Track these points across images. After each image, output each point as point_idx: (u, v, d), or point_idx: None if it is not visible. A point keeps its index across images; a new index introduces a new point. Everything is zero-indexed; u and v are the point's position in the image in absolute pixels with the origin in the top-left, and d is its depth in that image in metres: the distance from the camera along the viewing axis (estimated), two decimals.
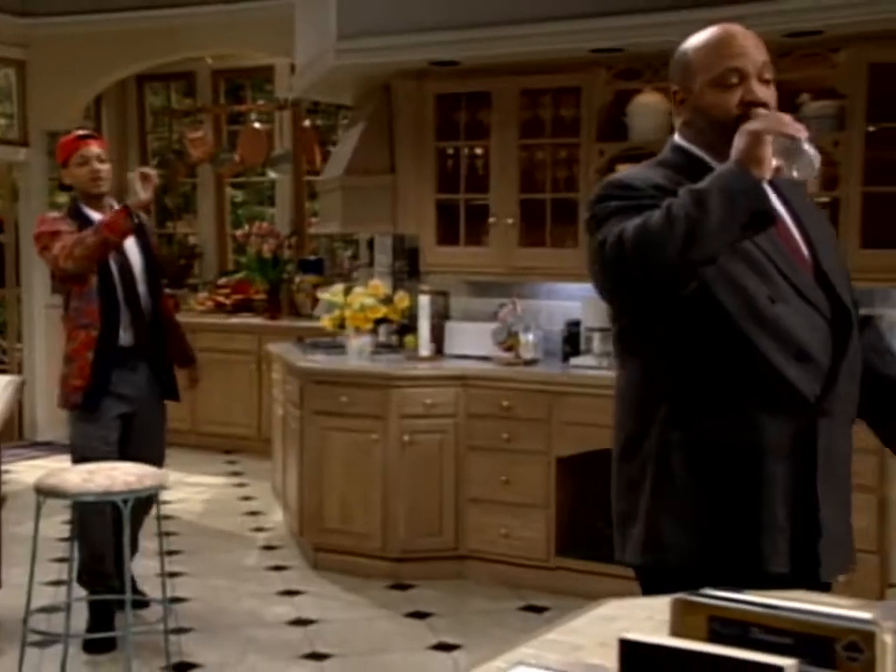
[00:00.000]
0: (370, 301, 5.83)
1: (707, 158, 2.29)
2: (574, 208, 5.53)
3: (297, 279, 8.75)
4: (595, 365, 5.40)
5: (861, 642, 1.06)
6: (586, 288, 5.60)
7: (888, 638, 1.08)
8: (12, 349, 9.40)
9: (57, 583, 5.07)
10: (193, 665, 4.34)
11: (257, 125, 9.10)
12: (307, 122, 8.91)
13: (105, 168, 4.50)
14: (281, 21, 7.11)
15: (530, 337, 5.59)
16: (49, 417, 8.84)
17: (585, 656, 1.71)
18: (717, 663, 1.07)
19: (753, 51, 2.26)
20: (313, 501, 5.61)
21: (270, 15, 7.67)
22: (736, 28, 2.31)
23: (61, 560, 5.25)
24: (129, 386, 4.51)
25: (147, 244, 4.61)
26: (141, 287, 4.52)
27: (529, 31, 5.20)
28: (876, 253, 4.67)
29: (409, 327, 6.05)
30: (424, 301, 5.81)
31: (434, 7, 5.42)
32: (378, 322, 5.99)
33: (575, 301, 5.68)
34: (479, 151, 5.90)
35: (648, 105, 5.39)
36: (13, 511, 5.75)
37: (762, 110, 2.18)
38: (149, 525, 4.21)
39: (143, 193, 4.28)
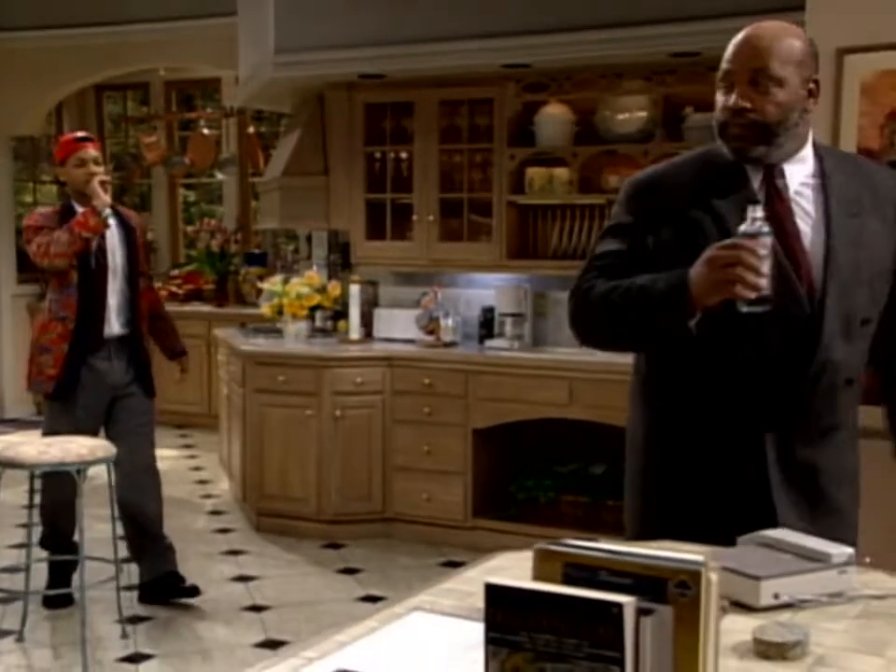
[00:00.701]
0: (305, 290, 5.82)
1: (724, 150, 2.11)
2: (488, 206, 5.57)
3: (242, 271, 8.69)
4: (508, 347, 5.45)
5: (689, 580, 1.11)
6: (500, 278, 5.72)
7: (713, 576, 1.12)
8: None
9: (20, 546, 5.01)
10: (144, 618, 4.32)
11: (206, 131, 9.01)
12: (251, 129, 8.84)
13: (100, 170, 4.35)
14: (225, 38, 7.05)
15: (450, 322, 5.62)
16: (15, 396, 8.70)
17: (476, 602, 1.74)
18: (567, 601, 1.11)
19: (746, 55, 2.03)
20: (254, 470, 5.59)
21: (215, 32, 7.58)
22: (749, 30, 2.06)
23: (23, 526, 5.19)
24: (106, 376, 4.33)
25: (131, 241, 4.42)
26: (119, 283, 4.36)
27: (448, 48, 5.22)
28: None
29: (342, 313, 6.05)
30: (354, 289, 5.81)
31: (363, 26, 5.41)
32: (314, 309, 5.98)
33: (489, 289, 5.72)
34: (403, 155, 5.91)
35: (553, 115, 5.43)
36: None
37: (727, 241, 1.92)
38: (104, 491, 4.17)
39: (104, 196, 4.20)
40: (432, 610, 1.67)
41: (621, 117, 5.26)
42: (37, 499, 4.30)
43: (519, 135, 5.47)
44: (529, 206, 5.60)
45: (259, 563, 5.09)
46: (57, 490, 4.25)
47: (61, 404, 4.29)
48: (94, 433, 4.31)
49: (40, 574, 4.46)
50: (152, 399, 4.50)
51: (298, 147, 5.93)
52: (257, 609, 4.47)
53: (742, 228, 1.91)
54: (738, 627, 1.56)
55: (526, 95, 5.43)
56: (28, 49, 8.39)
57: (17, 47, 8.43)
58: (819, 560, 1.72)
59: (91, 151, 4.36)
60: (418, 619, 1.62)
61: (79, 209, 4.31)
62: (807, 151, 2.12)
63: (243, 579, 4.85)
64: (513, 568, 1.91)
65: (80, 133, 4.53)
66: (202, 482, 6.71)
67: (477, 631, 1.21)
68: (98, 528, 4.91)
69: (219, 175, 9.22)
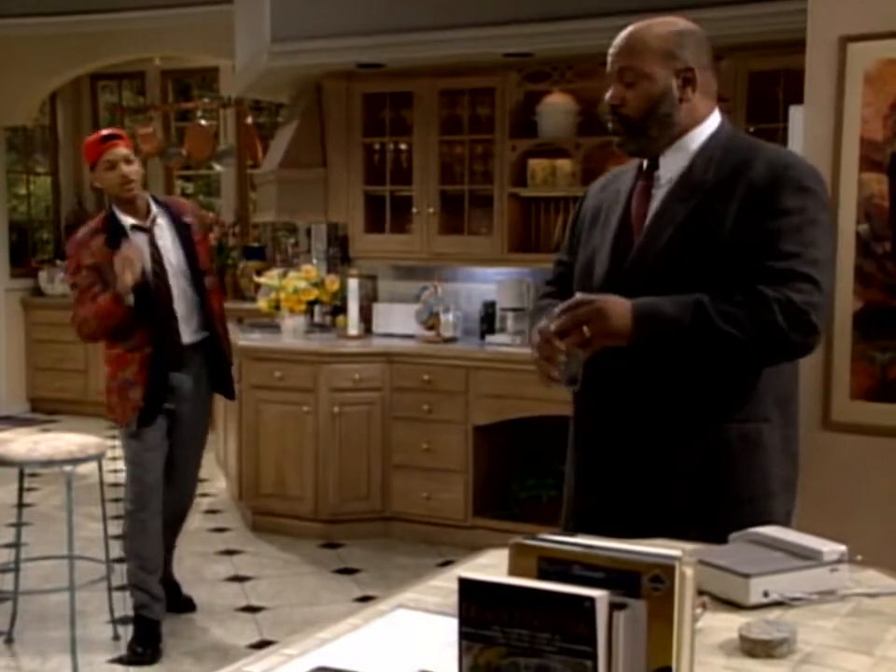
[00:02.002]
0: (303, 284, 5.84)
1: None
2: (489, 199, 5.59)
3: (241, 265, 8.71)
4: (509, 342, 5.46)
5: (662, 574, 1.13)
6: (500, 272, 5.73)
7: (688, 570, 1.14)
8: None
9: (9, 546, 5.04)
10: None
11: (203, 122, 9.03)
12: (249, 119, 8.85)
13: (133, 170, 3.99)
14: (223, 26, 7.07)
15: (450, 317, 5.64)
16: (9, 393, 8.75)
17: None
18: (540, 596, 1.13)
19: (614, 54, 2.19)
20: (250, 468, 5.62)
21: (211, 20, 7.61)
22: (624, 31, 2.20)
23: (13, 525, 5.22)
24: (173, 383, 4.04)
25: (186, 238, 4.06)
26: (182, 287, 4.02)
27: (448, 36, 5.23)
28: None
29: (340, 308, 6.07)
30: (353, 284, 5.83)
31: (361, 14, 5.43)
32: (311, 304, 6.00)
33: (490, 283, 5.73)
34: (403, 147, 5.93)
35: (556, 104, 5.45)
36: None
37: (544, 330, 2.09)
38: (96, 490, 4.20)
39: (128, 277, 3.79)
40: (416, 608, 1.69)
41: None
42: (28, 498, 4.33)
43: (521, 126, 5.49)
44: (531, 199, 5.61)
45: (254, 563, 5.11)
46: (143, 533, 4.07)
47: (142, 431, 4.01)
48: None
49: (30, 573, 4.49)
50: (209, 411, 4.35)
51: (295, 139, 5.95)
52: (252, 609, 4.50)
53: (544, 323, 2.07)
54: (726, 625, 1.58)
55: (528, 85, 5.45)
56: (21, 37, 8.42)
57: (9, 34, 8.45)
58: (811, 558, 1.74)
59: (121, 150, 4.00)
60: (401, 616, 1.64)
61: (122, 217, 3.98)
62: (688, 140, 2.18)
63: (238, 579, 4.88)
64: (501, 566, 1.92)
65: (106, 132, 4.15)
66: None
67: (455, 626, 1.23)
68: (90, 527, 4.95)
69: (217, 167, 9.24)
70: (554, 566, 1.18)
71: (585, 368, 2.07)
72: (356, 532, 5.43)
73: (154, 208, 4.04)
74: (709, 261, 2.08)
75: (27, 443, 3.90)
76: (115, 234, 3.95)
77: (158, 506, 4.06)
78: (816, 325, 2.05)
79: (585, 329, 2.01)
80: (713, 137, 2.19)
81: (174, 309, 3.99)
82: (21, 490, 4.20)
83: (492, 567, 1.92)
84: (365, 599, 4.58)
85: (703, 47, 2.17)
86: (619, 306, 2.03)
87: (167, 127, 9.43)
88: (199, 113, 9.28)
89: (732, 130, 2.25)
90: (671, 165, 2.19)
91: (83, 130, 9.74)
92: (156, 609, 4.09)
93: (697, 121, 2.18)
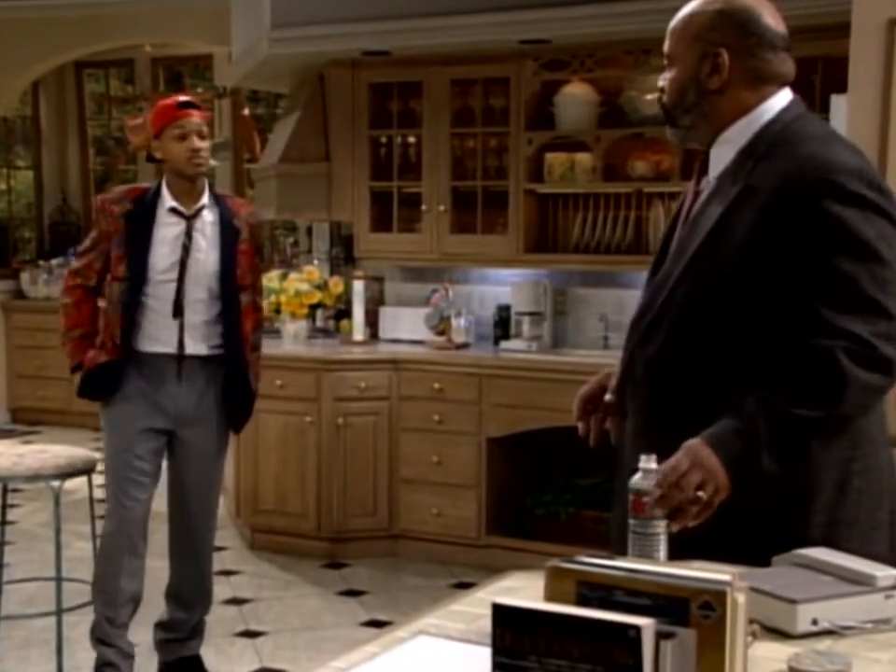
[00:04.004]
0: (305, 286, 5.85)
1: None
2: (504, 196, 5.58)
3: None
4: (525, 349, 5.46)
5: (713, 601, 1.12)
6: (516, 273, 5.73)
7: (739, 597, 1.13)
8: None
9: None
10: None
11: None
12: (246, 111, 8.87)
13: (205, 146, 3.77)
14: (218, 10, 7.08)
15: (462, 321, 5.63)
16: None
17: (485, 625, 1.75)
18: (581, 624, 1.12)
19: (667, 38, 2.16)
20: (249, 483, 5.62)
21: (206, 4, 7.63)
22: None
23: None
24: (169, 400, 3.78)
25: (231, 244, 3.80)
26: (201, 295, 3.77)
27: (459, 22, 5.23)
28: None
29: (345, 312, 6.07)
30: (358, 286, 5.84)
31: None
32: (314, 307, 6.00)
33: (505, 286, 5.73)
34: (411, 140, 5.93)
35: (575, 95, 5.45)
36: None
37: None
38: (84, 506, 4.19)
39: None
40: (438, 634, 1.69)
41: (649, 97, 5.25)
42: (10, 515, 4.33)
43: (537, 118, 5.48)
44: (549, 195, 5.60)
45: (253, 584, 5.11)
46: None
47: (112, 419, 3.81)
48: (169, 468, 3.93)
49: (12, 596, 4.48)
50: (225, 437, 3.95)
51: (296, 131, 5.95)
52: (251, 634, 4.49)
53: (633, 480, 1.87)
54: (772, 655, 1.56)
55: (546, 74, 5.44)
56: (0, 23, 8.44)
57: None
58: (863, 583, 1.73)
59: (197, 120, 3.76)
60: (423, 643, 1.63)
61: (167, 197, 3.75)
62: (733, 133, 2.10)
63: (236, 601, 4.88)
64: (527, 588, 1.92)
65: (183, 98, 3.89)
66: None
67: (486, 656, 1.23)
68: (77, 546, 4.95)
69: (212, 161, 9.20)
70: (595, 591, 1.17)
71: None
72: (361, 551, 5.43)
73: (206, 198, 3.81)
74: (733, 280, 2.00)
75: (11, 457, 3.90)
76: (144, 212, 3.76)
77: (138, 535, 3.80)
78: (887, 357, 1.92)
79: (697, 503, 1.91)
80: (766, 129, 2.07)
81: (183, 316, 3.74)
82: (3, 507, 4.20)
83: (518, 590, 1.91)
84: (372, 623, 4.58)
85: (748, 27, 2.05)
86: (699, 454, 1.93)
87: None
88: None
89: (794, 119, 2.08)
90: (717, 162, 2.13)
91: (69, 121, 9.77)
92: (123, 668, 3.83)
93: (743, 112, 2.09)
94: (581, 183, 5.45)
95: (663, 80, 2.15)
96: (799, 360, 1.94)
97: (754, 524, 2.00)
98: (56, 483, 3.85)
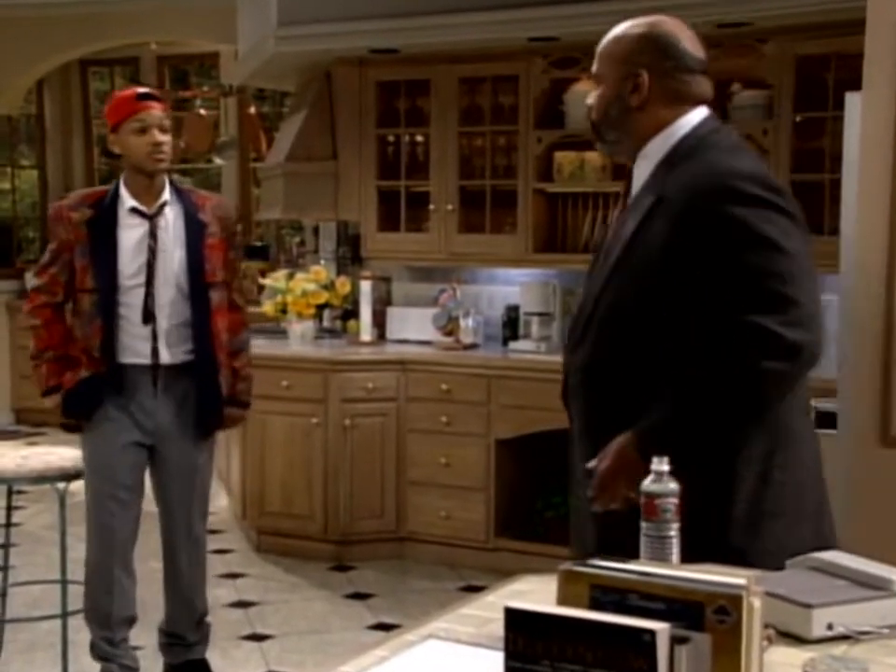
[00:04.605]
0: (311, 286, 5.85)
1: None
2: (513, 195, 5.58)
3: (243, 265, 8.72)
4: (534, 349, 5.45)
5: (728, 605, 1.11)
6: (525, 273, 5.72)
7: (755, 601, 1.13)
8: None
9: None
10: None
11: (202, 111, 9.07)
12: (252, 109, 8.88)
13: (167, 140, 3.60)
14: (224, 8, 7.09)
15: (470, 322, 5.63)
16: None
17: (496, 629, 1.75)
18: (594, 628, 1.12)
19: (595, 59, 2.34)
20: (255, 485, 5.62)
21: (211, 1, 7.64)
22: None
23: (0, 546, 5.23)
24: (145, 415, 3.66)
25: (196, 238, 3.65)
26: (171, 297, 3.62)
27: (467, 19, 5.23)
28: None
29: (352, 312, 6.07)
30: (365, 286, 5.84)
31: None
32: (321, 308, 6.01)
33: (513, 286, 5.73)
34: (419, 138, 5.93)
35: (584, 93, 5.36)
36: None
37: None
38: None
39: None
40: (448, 638, 1.68)
41: None
42: (14, 517, 4.33)
43: (546, 116, 5.48)
44: (558, 194, 5.60)
45: (259, 587, 5.11)
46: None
47: (91, 434, 3.71)
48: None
49: (17, 599, 4.49)
50: (206, 447, 3.80)
51: (303, 130, 5.96)
52: (257, 637, 4.49)
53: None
54: (787, 660, 1.56)
55: (555, 71, 5.43)
56: (4, 20, 8.46)
57: None
58: (879, 587, 1.73)
59: (158, 113, 3.61)
60: (433, 647, 1.63)
61: (126, 197, 3.61)
62: (651, 149, 2.26)
63: (242, 604, 4.88)
64: (538, 592, 1.92)
65: (142, 90, 3.74)
66: None
67: (497, 660, 1.22)
68: (82, 549, 4.91)
69: (217, 160, 9.28)
70: (608, 594, 1.17)
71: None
72: (368, 554, 5.42)
73: (167, 195, 3.66)
74: (651, 288, 2.14)
75: (15, 458, 3.90)
76: (105, 216, 3.61)
77: (126, 557, 3.75)
78: (796, 343, 2.02)
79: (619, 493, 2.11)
80: (680, 143, 2.23)
81: (154, 322, 3.61)
82: (9, 508, 4.21)
83: (529, 593, 1.91)
84: (379, 626, 4.57)
85: (668, 51, 2.23)
86: (623, 453, 2.11)
87: None
88: (197, 102, 9.33)
89: (707, 133, 2.24)
90: (638, 177, 2.28)
91: (73, 120, 9.79)
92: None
93: (661, 128, 2.25)
94: (590, 182, 5.44)
95: (591, 98, 2.33)
96: (714, 356, 2.06)
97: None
98: (61, 485, 3.86)
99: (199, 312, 3.65)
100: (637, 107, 2.24)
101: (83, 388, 3.66)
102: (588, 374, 2.25)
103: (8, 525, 4.27)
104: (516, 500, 5.37)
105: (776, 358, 2.01)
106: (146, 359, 3.63)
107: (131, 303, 3.61)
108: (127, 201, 3.62)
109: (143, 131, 3.56)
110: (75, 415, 3.72)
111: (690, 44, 2.25)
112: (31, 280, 3.82)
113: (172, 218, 3.65)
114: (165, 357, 3.64)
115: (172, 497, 3.77)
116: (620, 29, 2.29)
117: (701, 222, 2.09)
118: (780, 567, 1.90)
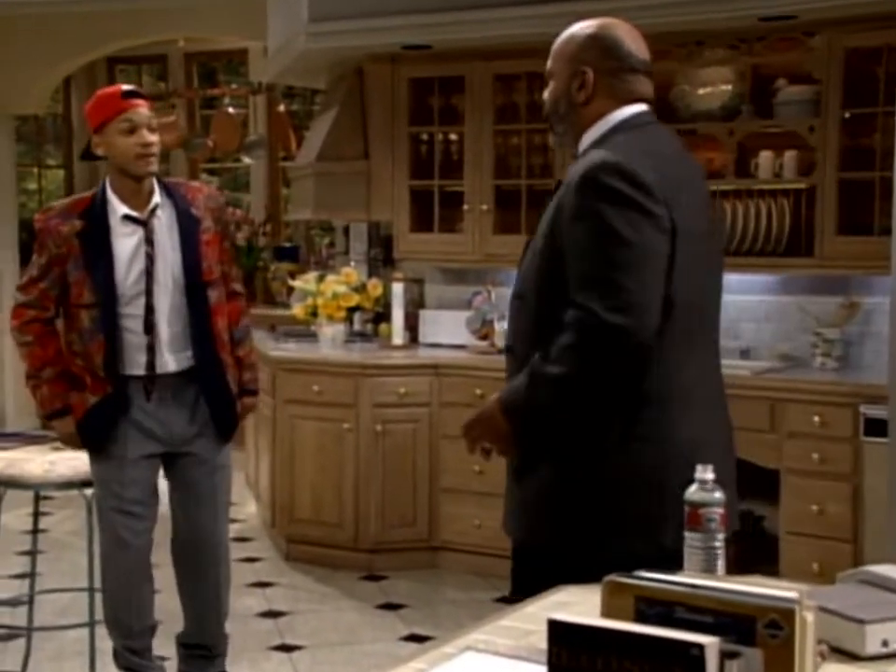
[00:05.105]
0: (342, 288, 5.86)
1: None
2: (549, 195, 5.55)
3: (272, 267, 8.76)
4: None
5: (780, 619, 1.10)
6: None
7: (808, 616, 1.12)
8: None
9: (21, 576, 5.09)
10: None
11: (230, 110, 9.09)
12: (282, 107, 8.91)
13: (156, 140, 3.50)
14: (253, 4, 7.11)
15: (505, 325, 5.61)
16: (18, 407, 8.84)
17: (536, 641, 1.74)
18: (640, 641, 1.11)
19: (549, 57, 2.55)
20: (284, 492, 5.64)
21: None
22: None
23: (25, 553, 5.27)
24: (155, 423, 3.63)
25: (190, 234, 3.59)
26: (172, 300, 3.58)
27: (502, 14, 5.23)
28: (852, 240, 4.71)
29: (383, 315, 6.08)
30: (397, 288, 5.84)
31: None
32: (352, 310, 6.01)
33: None
34: (453, 137, 5.94)
35: None
36: None
37: None
38: None
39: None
40: (487, 650, 1.68)
41: (702, 91, 5.23)
42: (42, 523, 4.36)
43: None
44: None
45: (289, 596, 5.12)
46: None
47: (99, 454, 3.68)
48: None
49: (45, 607, 4.52)
50: (225, 449, 3.75)
51: (334, 128, 5.97)
52: (287, 648, 4.50)
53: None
54: None
55: None
56: (32, 18, 8.52)
57: (19, 14, 8.56)
58: None
59: (145, 111, 3.51)
60: (471, 660, 1.63)
61: (114, 201, 3.53)
62: (584, 141, 2.46)
63: (271, 614, 4.89)
64: (579, 604, 1.91)
65: (127, 87, 3.64)
66: None
67: None
68: None
69: (246, 160, 9.30)
70: (654, 607, 1.16)
71: None
72: (400, 563, 5.43)
73: (157, 196, 3.57)
74: (541, 269, 2.41)
75: (43, 464, 3.92)
76: (96, 226, 3.53)
77: (144, 573, 3.74)
78: (616, 326, 2.22)
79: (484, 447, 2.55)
80: (604, 135, 2.43)
81: (155, 327, 3.56)
82: (36, 515, 4.23)
83: (571, 605, 1.90)
84: (412, 638, 4.57)
85: (612, 52, 2.43)
86: (488, 408, 2.50)
87: (191, 115, 9.52)
88: (226, 100, 9.35)
89: (633, 126, 2.41)
90: (578, 165, 2.42)
91: None
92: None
93: (596, 121, 2.45)
94: None
95: (546, 93, 2.54)
96: (560, 331, 2.33)
97: (546, 471, 2.51)
98: (88, 492, 3.88)
99: (198, 314, 3.61)
100: (581, 103, 2.45)
101: (96, 418, 3.60)
102: (509, 352, 2.56)
103: (35, 531, 4.29)
104: None
105: (593, 339, 2.25)
106: (149, 369, 3.59)
107: (132, 314, 3.56)
108: (118, 207, 3.55)
109: (131, 131, 3.47)
110: (94, 446, 3.68)
111: (634, 45, 2.46)
112: (16, 295, 3.70)
113: (165, 220, 3.58)
114: (170, 364, 3.60)
115: (189, 504, 3.74)
116: (572, 29, 2.49)
117: (565, 208, 2.34)
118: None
